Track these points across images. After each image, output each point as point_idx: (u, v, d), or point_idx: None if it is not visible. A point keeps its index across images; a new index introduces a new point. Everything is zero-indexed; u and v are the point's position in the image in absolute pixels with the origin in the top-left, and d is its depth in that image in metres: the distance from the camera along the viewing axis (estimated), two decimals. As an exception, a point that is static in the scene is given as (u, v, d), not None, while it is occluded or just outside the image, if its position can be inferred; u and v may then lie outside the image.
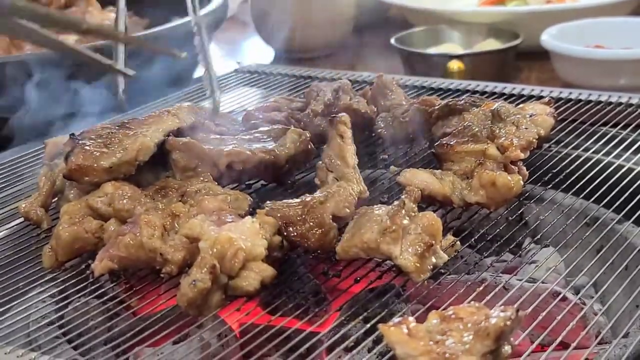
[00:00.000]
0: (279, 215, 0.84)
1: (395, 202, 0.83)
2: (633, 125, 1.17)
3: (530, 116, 1.02)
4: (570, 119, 1.19)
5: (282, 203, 0.86)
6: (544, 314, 0.74)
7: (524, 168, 0.95)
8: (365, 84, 1.40)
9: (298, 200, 0.86)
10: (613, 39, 1.70)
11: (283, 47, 2.11)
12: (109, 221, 0.89)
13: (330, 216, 0.85)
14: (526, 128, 0.98)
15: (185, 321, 0.79)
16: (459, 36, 1.90)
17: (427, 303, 0.80)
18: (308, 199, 0.86)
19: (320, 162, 0.94)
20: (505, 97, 1.31)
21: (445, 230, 0.87)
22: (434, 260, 0.80)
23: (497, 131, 0.97)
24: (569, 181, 1.01)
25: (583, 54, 1.58)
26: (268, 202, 0.87)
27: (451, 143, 0.96)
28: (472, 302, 0.68)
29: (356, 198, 0.88)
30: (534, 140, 0.97)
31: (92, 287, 0.90)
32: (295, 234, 0.84)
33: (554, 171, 1.02)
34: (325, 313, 0.86)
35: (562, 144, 1.11)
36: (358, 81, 1.44)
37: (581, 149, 1.10)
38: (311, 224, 0.84)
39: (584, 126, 1.17)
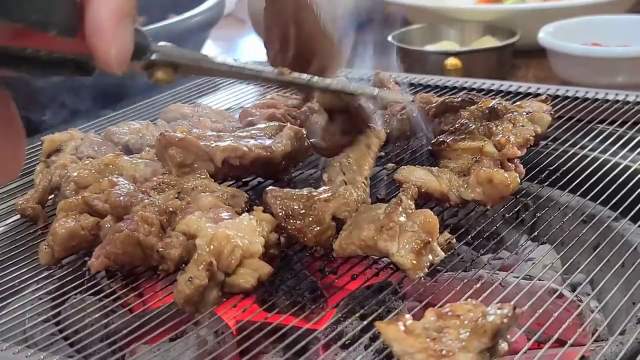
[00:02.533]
0: (280, 204, 0.84)
1: (393, 200, 0.83)
2: (630, 122, 1.17)
3: (527, 114, 1.02)
4: (567, 116, 1.19)
5: (286, 191, 0.86)
6: (540, 311, 0.74)
7: (521, 165, 0.95)
8: (363, 81, 1.39)
9: (303, 192, 0.86)
10: (610, 36, 1.71)
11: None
12: (105, 218, 0.89)
13: (331, 216, 0.85)
14: (523, 125, 0.98)
15: (182, 318, 0.79)
16: (456, 34, 1.90)
17: (423, 300, 0.80)
18: (314, 193, 0.86)
19: (334, 160, 0.93)
20: (502, 94, 1.31)
21: (442, 227, 0.87)
22: (430, 257, 0.80)
23: (494, 128, 0.97)
24: (566, 179, 1.01)
25: (580, 52, 1.59)
26: (271, 187, 0.87)
27: (448, 140, 0.96)
28: (469, 300, 0.68)
29: (359, 205, 0.87)
30: (531, 137, 0.97)
31: (89, 284, 0.90)
32: (294, 227, 0.84)
33: (551, 169, 1.02)
34: (322, 310, 0.86)
35: (559, 141, 1.11)
36: (355, 78, 1.44)
37: (578, 146, 1.10)
38: (310, 219, 0.84)
39: (581, 124, 1.17)
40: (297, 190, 0.87)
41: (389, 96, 0.97)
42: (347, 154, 0.92)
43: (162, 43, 0.65)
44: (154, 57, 0.63)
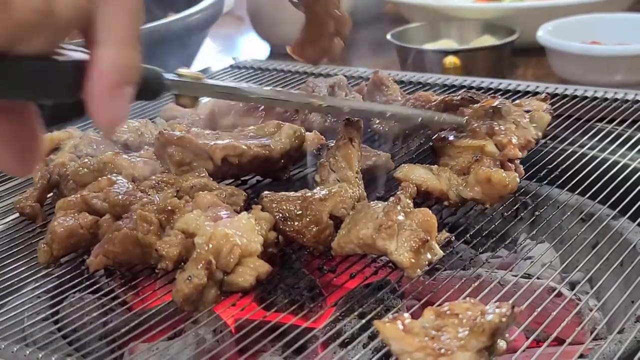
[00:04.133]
0: (277, 208, 0.84)
1: (391, 198, 0.83)
2: (629, 121, 1.17)
3: (527, 112, 1.02)
4: (566, 115, 1.19)
5: (281, 195, 0.86)
6: (539, 309, 0.74)
7: (521, 166, 0.95)
8: (361, 79, 1.40)
9: (298, 194, 0.86)
10: (609, 35, 1.71)
11: (279, 42, 2.11)
12: (104, 216, 0.89)
13: (328, 214, 0.85)
14: (526, 128, 0.98)
15: (181, 317, 0.79)
16: (455, 32, 1.90)
17: (422, 299, 0.80)
18: (308, 194, 0.86)
19: (324, 160, 0.93)
20: (501, 93, 1.31)
21: (441, 226, 0.87)
22: (429, 256, 0.80)
23: (497, 128, 0.97)
24: (565, 177, 1.01)
25: (579, 50, 1.58)
26: (266, 192, 0.87)
27: (450, 137, 0.96)
28: (468, 298, 0.67)
29: (355, 201, 0.88)
30: (533, 140, 0.97)
31: (87, 283, 0.90)
32: (292, 229, 0.84)
33: (550, 167, 1.02)
34: (321, 309, 0.86)
35: (558, 140, 1.11)
36: (354, 77, 1.44)
37: (577, 145, 1.10)
38: (308, 220, 0.84)
39: (579, 122, 1.17)
40: (292, 192, 0.87)
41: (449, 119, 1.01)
42: (333, 152, 0.92)
43: (185, 72, 0.74)
44: (173, 91, 0.73)
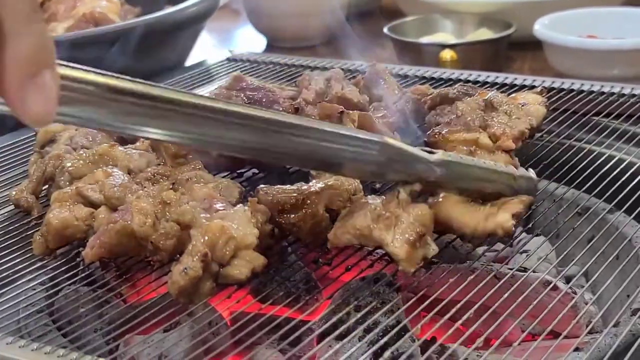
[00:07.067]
0: (272, 200, 0.84)
1: (390, 192, 0.83)
2: (625, 115, 1.17)
3: (523, 105, 1.02)
4: (562, 108, 1.19)
5: (277, 188, 0.86)
6: (534, 303, 0.74)
7: (516, 158, 0.95)
8: (358, 73, 1.39)
9: (294, 187, 0.86)
10: (606, 29, 1.71)
11: (275, 35, 2.11)
12: (99, 208, 0.88)
13: (324, 207, 0.85)
14: (519, 118, 0.98)
15: (176, 309, 0.79)
16: (452, 26, 1.90)
17: (418, 292, 0.80)
18: (304, 187, 0.86)
19: None
20: (497, 86, 1.31)
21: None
22: (425, 250, 0.79)
23: (490, 120, 0.97)
24: (561, 171, 1.01)
25: (576, 44, 1.58)
26: (262, 185, 0.87)
27: (443, 132, 0.96)
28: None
29: (351, 195, 0.87)
30: (527, 130, 0.97)
31: (83, 275, 0.90)
32: (288, 221, 0.83)
33: (546, 161, 1.02)
34: (316, 301, 0.86)
35: (554, 133, 1.11)
36: (350, 70, 1.44)
37: (573, 139, 1.10)
38: (304, 212, 0.84)
39: (576, 116, 1.17)
40: (287, 186, 0.87)
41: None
42: None
43: None
44: None
